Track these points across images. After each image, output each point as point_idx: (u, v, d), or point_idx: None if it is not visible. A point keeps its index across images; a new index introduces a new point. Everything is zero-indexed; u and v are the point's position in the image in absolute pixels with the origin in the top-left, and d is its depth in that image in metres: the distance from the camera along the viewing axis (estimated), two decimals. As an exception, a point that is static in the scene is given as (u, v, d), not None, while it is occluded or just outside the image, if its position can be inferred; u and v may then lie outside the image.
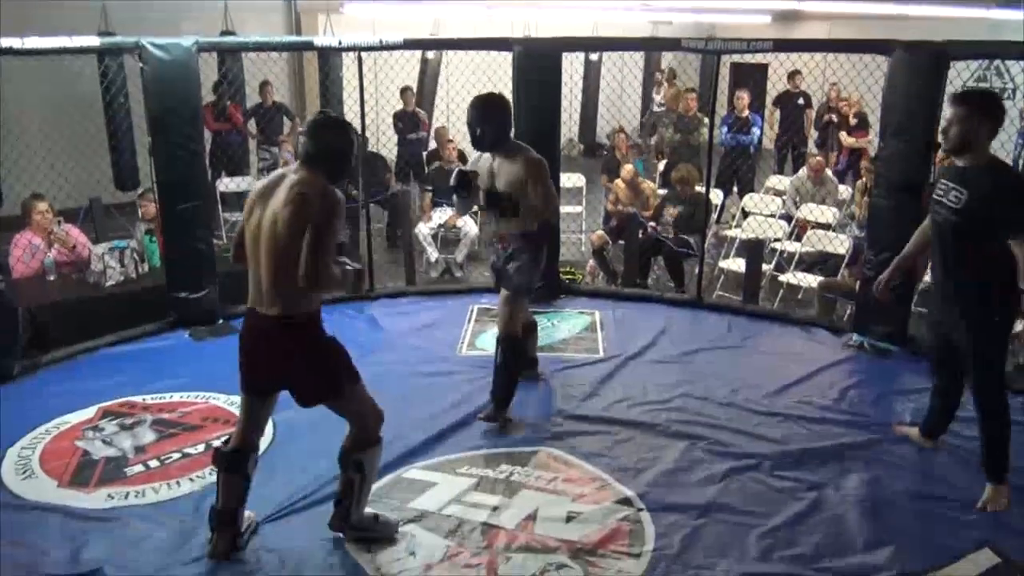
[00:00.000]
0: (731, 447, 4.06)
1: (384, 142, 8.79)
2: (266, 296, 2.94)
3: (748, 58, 6.49)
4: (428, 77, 10.61)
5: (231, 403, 4.46)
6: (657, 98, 12.29)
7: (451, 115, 10.27)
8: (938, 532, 3.39)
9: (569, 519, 3.46)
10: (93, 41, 5.29)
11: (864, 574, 3.16)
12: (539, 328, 5.63)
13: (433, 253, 7.32)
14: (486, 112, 4.09)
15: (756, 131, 8.90)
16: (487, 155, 4.25)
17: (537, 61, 5.90)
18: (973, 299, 3.43)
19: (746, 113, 8.75)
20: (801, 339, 5.52)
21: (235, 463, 3.18)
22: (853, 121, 9.50)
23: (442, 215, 7.55)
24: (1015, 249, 3.25)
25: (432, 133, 9.53)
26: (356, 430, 3.19)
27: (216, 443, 4.01)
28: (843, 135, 9.61)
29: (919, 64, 4.86)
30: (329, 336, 3.06)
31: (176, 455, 3.96)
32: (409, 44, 6.14)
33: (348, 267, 3.01)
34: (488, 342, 5.26)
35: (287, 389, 3.09)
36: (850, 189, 8.04)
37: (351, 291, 3.46)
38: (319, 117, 3.12)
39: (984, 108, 3.33)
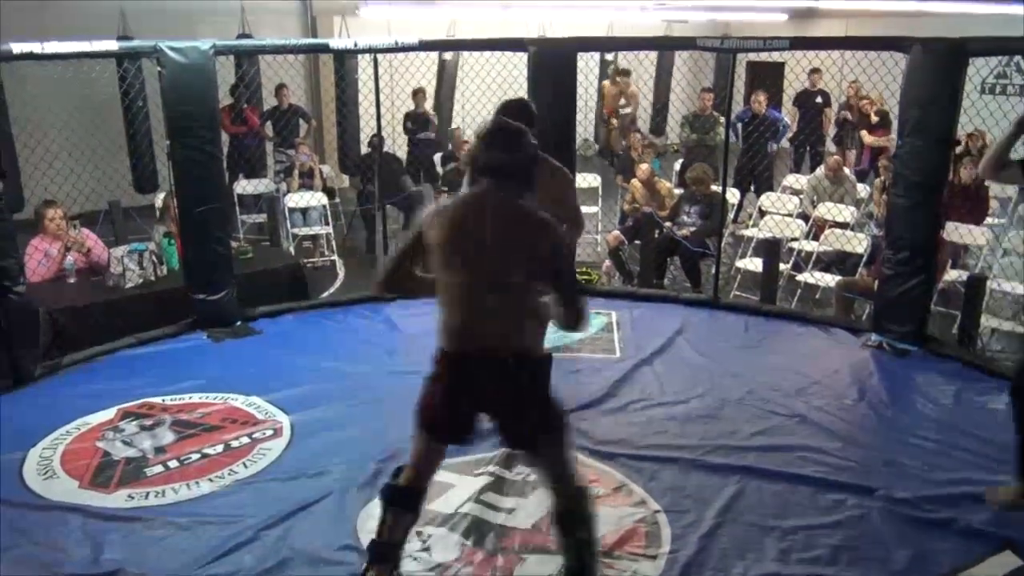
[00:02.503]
0: (749, 448, 4.04)
1: (401, 144, 8.81)
2: (496, 338, 2.67)
3: (764, 56, 6.46)
4: (446, 79, 10.62)
5: (249, 404, 4.50)
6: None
7: (465, 116, 10.29)
8: (958, 534, 3.36)
9: (586, 520, 3.46)
10: (112, 45, 5.33)
11: (883, 576, 3.14)
12: (556, 328, 5.63)
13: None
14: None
15: (783, 126, 8.92)
16: None
17: (552, 61, 5.89)
18: None
19: (764, 111, 8.71)
20: (819, 339, 5.48)
21: (410, 501, 2.91)
22: (875, 119, 9.40)
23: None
24: None
25: (445, 134, 9.57)
26: (566, 483, 2.82)
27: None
28: (864, 134, 9.53)
29: (937, 61, 4.81)
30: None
31: (195, 456, 3.99)
32: (424, 45, 6.15)
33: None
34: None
35: (508, 432, 2.84)
36: (868, 188, 7.98)
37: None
38: (507, 125, 2.78)
39: None
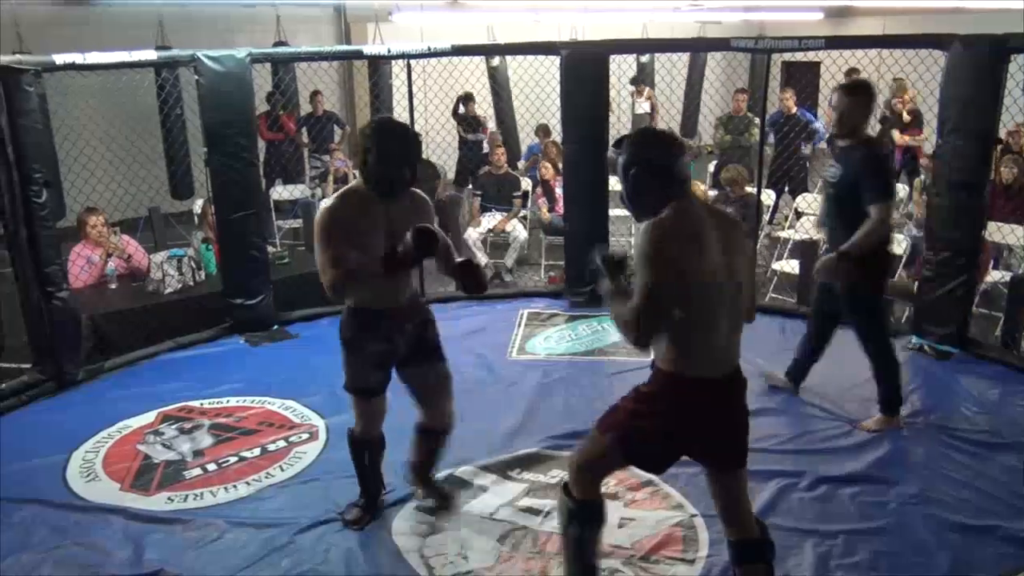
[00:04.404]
0: (787, 452, 3.99)
1: (434, 148, 8.84)
2: (730, 354, 2.59)
3: (800, 56, 6.39)
4: (500, 85, 10.61)
5: (285, 407, 4.54)
6: (640, 107, 11.73)
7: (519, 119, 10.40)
8: (1001, 541, 3.29)
9: (622, 524, 3.44)
10: (151, 55, 5.42)
11: (925, 582, 3.08)
12: (592, 331, 5.61)
13: (482, 258, 7.35)
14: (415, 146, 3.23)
15: (818, 126, 8.79)
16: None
17: (584, 64, 5.89)
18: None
19: (794, 111, 8.61)
20: (858, 342, 5.38)
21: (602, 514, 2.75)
22: (907, 118, 9.26)
23: (491, 220, 7.58)
24: (871, 214, 3.78)
25: (512, 141, 9.78)
26: (747, 511, 2.69)
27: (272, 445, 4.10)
28: (896, 133, 9.39)
29: (978, 58, 4.73)
30: None
31: (233, 459, 4.04)
32: (457, 50, 6.18)
33: None
34: (538, 347, 5.27)
35: (720, 454, 2.63)
36: (906, 188, 7.84)
37: None
38: (659, 129, 2.82)
39: (859, 96, 3.94)
